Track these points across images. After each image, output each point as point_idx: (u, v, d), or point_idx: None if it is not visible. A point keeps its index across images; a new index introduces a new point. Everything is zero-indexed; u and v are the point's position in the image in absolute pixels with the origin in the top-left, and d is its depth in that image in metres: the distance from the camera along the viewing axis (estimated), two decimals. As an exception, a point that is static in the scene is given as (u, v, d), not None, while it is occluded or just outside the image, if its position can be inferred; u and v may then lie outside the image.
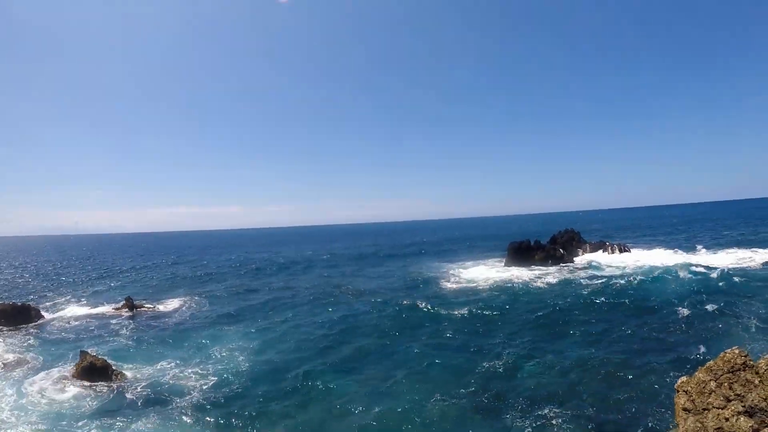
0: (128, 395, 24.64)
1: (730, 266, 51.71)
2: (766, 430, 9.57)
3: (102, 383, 26.29)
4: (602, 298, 40.32)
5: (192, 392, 24.85)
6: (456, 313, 38.43)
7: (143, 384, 26.36)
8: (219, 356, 31.14)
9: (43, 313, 46.67)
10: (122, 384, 26.29)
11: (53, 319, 45.26)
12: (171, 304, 51.69)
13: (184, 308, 49.43)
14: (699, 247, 74.59)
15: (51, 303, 54.61)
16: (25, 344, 35.90)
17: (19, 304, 45.94)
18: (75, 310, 50.21)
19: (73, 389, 25.64)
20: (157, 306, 50.79)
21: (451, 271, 65.78)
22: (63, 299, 57.39)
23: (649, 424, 18.28)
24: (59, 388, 25.94)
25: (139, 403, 23.58)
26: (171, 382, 26.70)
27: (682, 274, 48.24)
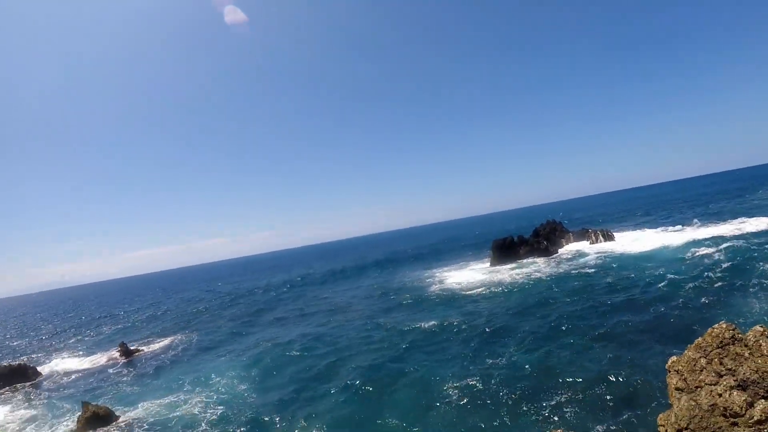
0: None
1: (717, 240, 52.61)
2: (760, 401, 9.68)
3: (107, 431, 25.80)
4: (593, 286, 40.92)
5: (199, 426, 24.74)
6: (449, 320, 38.32)
7: (148, 426, 26.11)
8: (220, 387, 31.11)
9: (39, 370, 45.78)
10: (127, 429, 25.91)
11: (51, 375, 44.52)
12: (164, 343, 51.37)
13: (178, 345, 49.11)
14: (679, 226, 75.65)
15: (46, 359, 53.68)
16: (26, 403, 35.34)
17: (15, 364, 44.95)
18: (71, 362, 49.35)
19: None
20: (152, 347, 50.35)
21: (438, 277, 65.66)
22: (57, 354, 56.34)
23: (649, 405, 18.41)
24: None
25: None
26: (177, 418, 26.56)
27: (670, 254, 49.07)
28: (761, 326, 10.83)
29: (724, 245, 48.03)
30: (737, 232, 56.00)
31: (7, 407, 34.45)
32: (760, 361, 10.14)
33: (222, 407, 26.88)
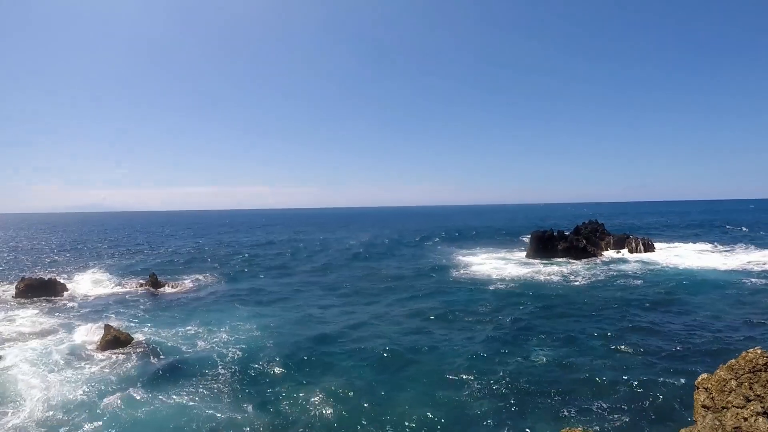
0: (151, 367, 25.21)
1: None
2: (785, 432, 9.44)
3: (126, 355, 26.99)
4: (629, 295, 39.93)
5: (215, 363, 25.45)
6: (485, 311, 36.81)
7: (166, 356, 27.01)
8: (241, 331, 31.79)
9: (68, 287, 47.72)
10: (145, 356, 26.92)
11: (79, 294, 46.30)
12: (195, 282, 52.89)
13: (208, 285, 50.58)
14: (731, 245, 73.36)
15: (77, 278, 55.97)
16: (52, 316, 36.80)
17: (46, 278, 47.10)
18: (100, 285, 51.45)
19: (98, 360, 26.35)
20: (181, 283, 51.84)
21: (470, 262, 65.34)
22: (88, 274, 58.69)
23: (671, 419, 18.19)
24: (85, 358, 26.71)
25: (163, 374, 24.12)
26: (194, 353, 27.43)
27: (715, 274, 47.60)
28: (798, 358, 10.54)
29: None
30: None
31: (33, 320, 35.88)
32: (791, 392, 9.89)
33: (239, 349, 27.51)
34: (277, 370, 24.73)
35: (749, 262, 55.32)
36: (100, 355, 27.08)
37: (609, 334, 29.60)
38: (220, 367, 25.08)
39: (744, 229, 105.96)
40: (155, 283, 49.18)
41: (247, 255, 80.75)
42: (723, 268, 52.22)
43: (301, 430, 18.49)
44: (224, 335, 30.82)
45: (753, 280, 44.97)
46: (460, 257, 70.89)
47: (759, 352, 11.05)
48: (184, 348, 28.52)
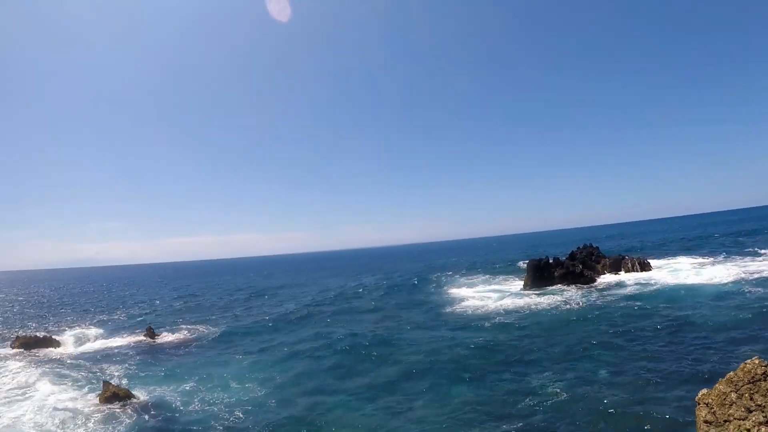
0: (151, 424, 24.82)
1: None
2: (787, 440, 9.44)
3: (125, 412, 26.51)
4: (628, 316, 39.90)
5: (216, 420, 25.06)
6: (484, 344, 36.78)
7: (166, 412, 26.60)
8: (242, 386, 31.18)
9: (63, 343, 47.14)
10: (145, 413, 26.51)
11: (75, 350, 45.63)
12: (193, 333, 52.07)
13: (206, 336, 49.66)
14: (725, 256, 73.74)
15: (72, 333, 55.02)
16: (49, 374, 36.16)
17: (41, 336, 46.58)
18: (96, 340, 50.72)
19: (97, 418, 25.88)
20: (179, 335, 51.14)
21: (466, 296, 65.02)
22: (83, 329, 57.93)
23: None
24: (85, 415, 26.23)
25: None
26: (194, 409, 26.98)
27: (712, 288, 47.34)
28: (796, 365, 10.61)
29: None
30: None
31: (28, 377, 35.29)
32: (792, 400, 9.92)
33: (238, 407, 26.83)
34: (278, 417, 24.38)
35: (745, 272, 55.29)
36: (98, 413, 26.60)
37: (610, 360, 29.48)
38: (221, 422, 24.71)
39: (739, 239, 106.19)
40: (152, 335, 48.65)
41: (244, 303, 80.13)
42: (718, 280, 52.15)
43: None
44: (222, 392, 29.95)
45: (749, 289, 45.01)
46: (457, 291, 70.51)
47: (757, 362, 11.12)
48: (182, 407, 27.72)
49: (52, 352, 44.13)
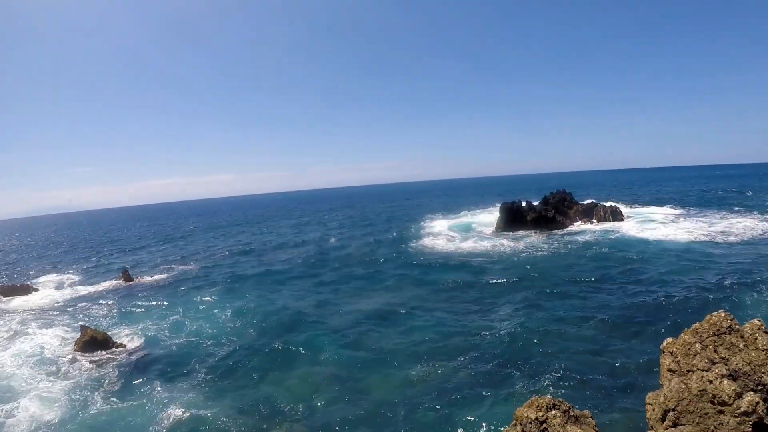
0: (130, 365, 25.16)
1: (741, 233, 49.89)
2: (748, 393, 9.91)
3: (104, 355, 26.82)
4: (593, 265, 40.40)
5: (192, 358, 25.62)
6: (450, 280, 38.94)
7: (144, 353, 27.02)
8: (219, 321, 32.17)
9: (39, 290, 46.77)
10: (124, 355, 26.86)
11: (51, 296, 45.33)
12: (169, 274, 52.23)
13: (182, 277, 49.98)
14: (704, 209, 74.10)
15: (47, 280, 54.88)
16: (26, 320, 36.15)
17: (18, 285, 46.13)
18: (73, 286, 50.46)
19: (76, 362, 26.09)
20: (155, 276, 51.24)
21: (438, 237, 65.59)
22: (58, 275, 57.63)
23: (636, 382, 18.90)
24: (63, 361, 26.39)
25: (142, 372, 24.23)
26: (172, 349, 27.55)
27: (683, 243, 47.22)
28: (759, 320, 10.81)
29: (748, 239, 46.54)
30: None
31: (6, 325, 35.12)
32: (753, 354, 10.19)
33: (214, 340, 28.11)
34: (255, 360, 24.91)
35: (720, 226, 55.19)
36: (79, 357, 26.79)
37: (574, 303, 30.50)
38: (197, 360, 25.27)
39: (720, 192, 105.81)
40: (128, 278, 48.50)
41: (219, 245, 79.90)
42: (688, 235, 51.49)
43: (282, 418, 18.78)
44: (199, 325, 31.15)
45: (720, 244, 44.98)
46: (428, 231, 71.47)
47: (723, 315, 11.50)
48: (160, 342, 28.69)
49: (29, 299, 43.77)
